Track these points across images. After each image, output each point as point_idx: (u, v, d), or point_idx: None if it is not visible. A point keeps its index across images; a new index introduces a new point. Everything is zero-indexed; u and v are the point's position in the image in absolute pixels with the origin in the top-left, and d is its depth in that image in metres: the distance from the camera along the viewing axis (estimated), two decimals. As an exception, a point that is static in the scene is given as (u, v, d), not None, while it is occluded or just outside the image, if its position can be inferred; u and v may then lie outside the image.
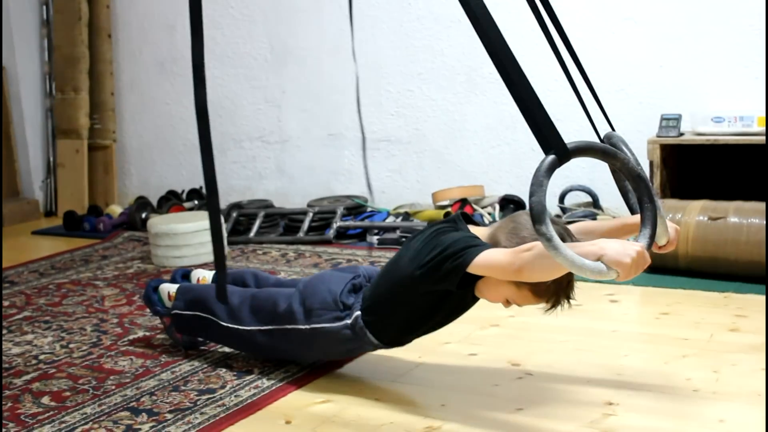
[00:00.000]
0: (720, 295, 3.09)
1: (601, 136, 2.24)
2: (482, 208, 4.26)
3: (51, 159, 5.54)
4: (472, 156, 4.49)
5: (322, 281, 2.45)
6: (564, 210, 4.10)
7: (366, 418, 2.21)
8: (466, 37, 4.40)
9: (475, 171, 4.47)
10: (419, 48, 4.51)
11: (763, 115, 3.62)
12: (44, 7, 5.44)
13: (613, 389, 2.30)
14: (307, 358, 2.56)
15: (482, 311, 2.99)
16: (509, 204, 4.22)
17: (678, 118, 3.77)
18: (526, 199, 4.27)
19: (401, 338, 2.40)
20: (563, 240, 1.85)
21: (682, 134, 3.76)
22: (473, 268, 2.03)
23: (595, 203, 4.11)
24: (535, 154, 4.31)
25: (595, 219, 3.95)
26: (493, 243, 2.11)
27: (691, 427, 2.07)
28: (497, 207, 4.23)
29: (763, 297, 3.03)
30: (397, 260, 2.27)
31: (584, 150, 1.81)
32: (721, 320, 2.82)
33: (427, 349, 2.67)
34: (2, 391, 2.47)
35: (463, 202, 4.22)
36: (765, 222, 3.15)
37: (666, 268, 3.32)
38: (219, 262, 2.09)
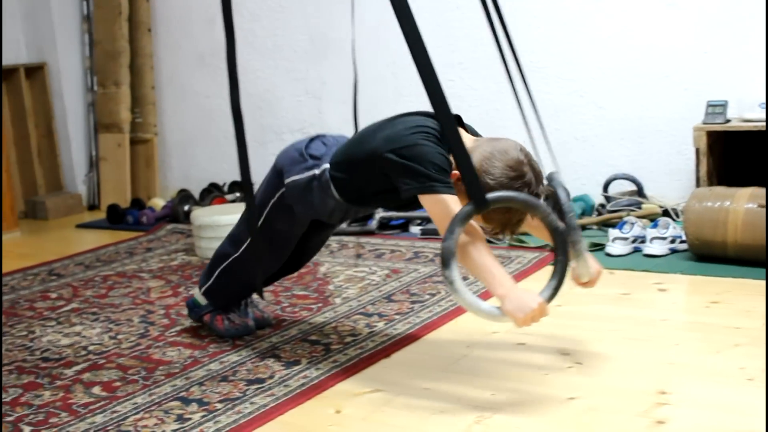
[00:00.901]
0: (770, 282, 3.04)
1: (546, 175, 2.29)
2: (525, 197, 4.22)
3: (93, 153, 5.58)
4: (514, 145, 4.45)
5: (290, 145, 2.60)
6: (608, 199, 4.06)
7: (416, 407, 2.20)
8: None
9: (517, 160, 4.43)
10: (460, 37, 4.49)
11: (813, 100, 3.56)
12: (85, 3, 5.47)
13: (665, 378, 2.27)
14: (297, 228, 2.59)
15: (530, 300, 2.98)
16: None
17: (724, 105, 3.72)
18: (570, 188, 4.22)
19: (363, 201, 2.46)
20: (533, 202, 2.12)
21: (728, 121, 3.71)
22: (422, 200, 2.20)
23: (640, 191, 4.06)
24: (578, 143, 4.29)
25: (639, 207, 3.91)
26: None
27: (747, 416, 2.04)
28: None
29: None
30: (376, 131, 2.34)
31: (503, 200, 2.08)
32: (773, 309, 2.78)
33: (474, 338, 2.66)
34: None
35: (506, 191, 4.19)
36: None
37: (714, 256, 3.28)
38: (257, 256, 2.29)
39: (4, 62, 5.19)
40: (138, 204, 5.13)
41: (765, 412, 2.03)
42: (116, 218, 4.95)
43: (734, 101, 3.75)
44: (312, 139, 2.56)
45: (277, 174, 2.55)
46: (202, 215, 4.02)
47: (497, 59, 4.37)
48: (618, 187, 4.14)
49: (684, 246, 3.45)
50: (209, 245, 3.94)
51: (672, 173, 4.07)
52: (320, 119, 4.98)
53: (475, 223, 2.19)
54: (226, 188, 5.10)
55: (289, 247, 2.66)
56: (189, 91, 5.44)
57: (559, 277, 2.15)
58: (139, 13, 5.37)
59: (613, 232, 3.56)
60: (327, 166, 2.42)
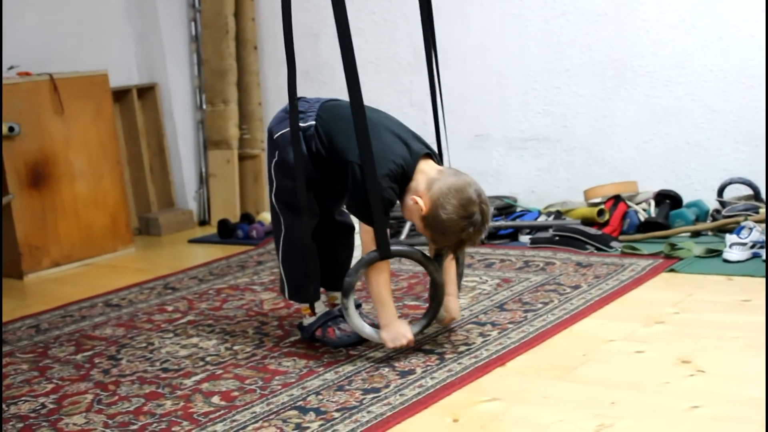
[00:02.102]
0: None
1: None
2: (636, 204, 4.15)
3: (203, 170, 5.71)
4: (623, 152, 4.38)
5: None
6: (723, 204, 3.94)
7: (534, 416, 2.17)
8: (613, 31, 4.31)
9: (626, 167, 4.36)
10: (565, 44, 4.44)
11: None
12: (193, 23, 5.61)
13: (794, 386, 2.19)
14: (293, 182, 2.69)
15: (647, 308, 2.94)
16: (665, 199, 4.09)
17: None
18: (682, 194, 4.14)
19: (324, 171, 2.70)
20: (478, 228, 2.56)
21: None
22: (361, 225, 2.58)
23: (757, 196, 3.94)
24: (690, 147, 4.19)
25: (757, 212, 3.78)
26: (428, 186, 2.52)
27: None
28: (652, 203, 4.11)
29: None
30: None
31: (403, 254, 2.65)
32: None
33: (591, 346, 2.62)
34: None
35: (617, 198, 4.12)
36: None
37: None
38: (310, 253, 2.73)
39: (118, 84, 5.35)
40: (247, 218, 5.22)
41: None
42: (226, 233, 5.04)
43: None
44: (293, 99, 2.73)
45: (270, 136, 2.78)
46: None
47: (604, 66, 4.33)
48: (733, 192, 4.01)
49: (806, 250, 3.34)
50: (319, 257, 3.98)
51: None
52: (425, 131, 4.96)
53: (386, 262, 2.59)
54: (332, 201, 5.15)
55: (309, 203, 2.74)
56: (295, 106, 5.51)
57: (428, 319, 2.72)
58: (246, 32, 5.47)
59: (730, 238, 3.46)
60: (313, 123, 2.67)
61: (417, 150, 2.61)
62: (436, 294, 2.68)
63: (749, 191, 3.97)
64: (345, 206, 2.71)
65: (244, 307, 3.48)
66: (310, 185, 2.71)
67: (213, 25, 5.47)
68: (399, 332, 2.62)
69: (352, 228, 3.00)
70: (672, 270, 3.38)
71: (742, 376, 2.30)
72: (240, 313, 3.39)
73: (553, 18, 4.46)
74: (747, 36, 3.97)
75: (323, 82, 5.32)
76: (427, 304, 2.76)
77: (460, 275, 2.87)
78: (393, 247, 2.56)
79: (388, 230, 2.59)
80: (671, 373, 2.36)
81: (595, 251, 3.78)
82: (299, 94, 5.47)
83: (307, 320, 2.89)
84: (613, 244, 3.81)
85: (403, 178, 2.56)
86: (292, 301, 2.95)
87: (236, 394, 2.51)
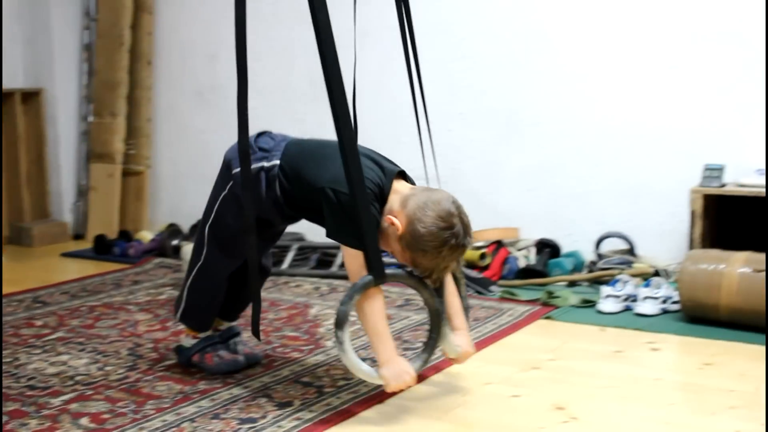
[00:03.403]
0: (762, 348, 3.04)
1: None
2: (518, 250, 4.23)
3: (83, 182, 5.54)
4: (508, 198, 4.47)
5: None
6: (600, 256, 4.06)
7: (411, 455, 2.17)
8: (508, 79, 4.41)
9: (511, 213, 4.45)
10: (461, 88, 4.52)
11: (809, 169, 3.60)
12: (86, 32, 5.47)
13: (662, 438, 2.26)
14: (238, 221, 2.56)
15: (523, 353, 2.98)
16: (545, 247, 4.19)
17: (721, 169, 3.76)
18: (562, 243, 4.24)
19: (295, 210, 2.55)
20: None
21: (724, 185, 3.74)
22: (344, 251, 2.40)
23: (631, 251, 4.07)
24: (572, 200, 4.31)
25: (630, 266, 3.91)
26: (403, 203, 2.37)
27: (745, 480, 2.03)
28: (533, 250, 4.20)
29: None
30: (326, 159, 2.43)
31: (397, 278, 2.39)
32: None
33: (468, 388, 2.64)
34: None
35: (499, 243, 4.19)
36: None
37: (706, 318, 3.28)
38: (255, 295, 2.40)
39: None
40: (126, 236, 5.09)
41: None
42: (103, 249, 4.90)
43: (731, 166, 3.78)
44: (259, 134, 2.63)
45: (226, 167, 2.62)
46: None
47: (497, 112, 4.42)
48: (610, 245, 4.15)
49: (675, 306, 3.46)
50: (199, 281, 3.91)
51: (664, 234, 4.08)
52: (315, 161, 4.97)
53: (379, 289, 2.38)
54: (216, 225, 5.07)
55: (241, 248, 2.61)
56: (185, 125, 5.43)
57: (429, 352, 2.49)
58: (141, 45, 5.37)
59: (605, 289, 3.56)
60: (278, 162, 2.51)
61: (390, 169, 2.48)
62: (436, 324, 2.47)
63: (625, 245, 4.10)
64: (327, 235, 2.41)
65: (117, 327, 3.38)
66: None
67: (108, 36, 5.35)
68: (401, 369, 2.37)
69: (269, 272, 2.93)
70: (548, 317, 3.45)
71: (613, 424, 2.36)
72: (113, 333, 3.29)
73: (451, 61, 4.53)
74: (635, 96, 4.12)
75: (216, 104, 5.27)
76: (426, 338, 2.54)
77: (465, 308, 2.66)
78: (388, 271, 2.33)
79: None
80: (546, 418, 2.40)
81: (475, 294, 3.83)
82: (190, 115, 5.42)
83: (187, 341, 2.82)
84: (493, 288, 3.88)
85: (380, 198, 2.41)
86: (180, 323, 2.87)
87: (107, 416, 2.42)
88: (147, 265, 4.58)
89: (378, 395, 2.56)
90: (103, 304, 3.74)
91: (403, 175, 2.54)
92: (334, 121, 2.29)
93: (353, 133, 2.38)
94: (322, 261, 4.38)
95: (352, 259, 2.36)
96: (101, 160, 5.43)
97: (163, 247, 4.76)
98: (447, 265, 2.41)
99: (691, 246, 3.71)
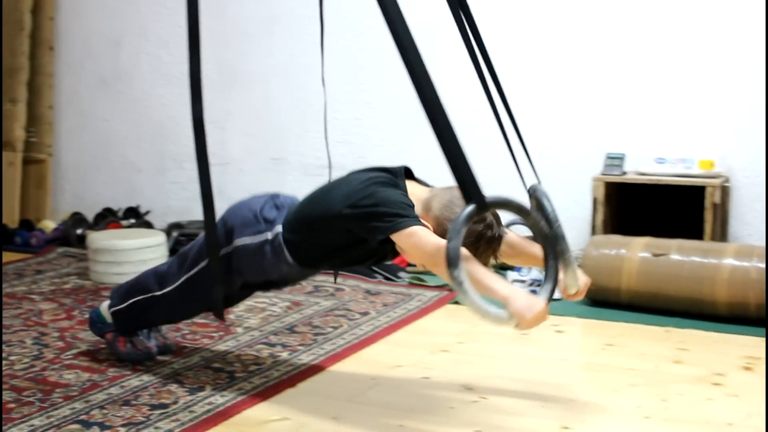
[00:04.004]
0: (661, 329, 3.17)
1: (528, 187, 2.31)
2: (426, 237, 4.28)
3: (-18, 171, 5.39)
4: (416, 186, 4.52)
5: (242, 203, 2.53)
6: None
7: (324, 436, 2.20)
8: (415, 69, 4.45)
9: (419, 201, 4.50)
10: (369, 77, 4.55)
11: (704, 158, 3.75)
12: (-17, 17, 5.32)
13: (566, 413, 2.34)
14: (235, 284, 2.51)
15: (432, 337, 3.04)
16: (452, 234, 4.25)
17: (622, 158, 3.88)
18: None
19: (316, 263, 2.44)
20: (491, 244, 2.23)
21: (625, 173, 3.86)
22: (396, 237, 2.14)
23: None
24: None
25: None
26: (426, 207, 2.23)
27: (646, 452, 2.12)
28: (441, 237, 4.26)
29: (702, 332, 3.12)
30: (331, 190, 2.32)
31: (501, 204, 2.04)
32: (665, 353, 2.89)
33: (379, 371, 2.68)
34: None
35: (407, 230, 4.24)
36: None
37: (608, 302, 3.39)
38: (217, 277, 2.18)
39: None
40: (27, 225, 4.97)
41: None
42: (3, 238, 4.77)
43: (631, 155, 3.91)
44: (266, 201, 2.50)
45: (225, 232, 2.46)
46: (99, 239, 3.94)
47: (404, 102, 4.46)
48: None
49: (579, 291, 3.56)
50: (106, 269, 3.86)
51: (568, 221, 4.14)
52: (223, 149, 4.94)
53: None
54: (121, 214, 5.00)
55: (207, 305, 2.58)
56: (88, 113, 5.32)
57: (552, 282, 2.13)
58: (43, 30, 5.23)
59: (511, 275, 3.64)
60: (279, 229, 2.38)
61: (396, 168, 2.36)
62: (551, 249, 2.13)
63: (530, 232, 4.19)
64: (376, 240, 2.20)
65: (21, 317, 3.30)
66: (255, 285, 2.56)
67: (7, 21, 5.19)
68: (531, 301, 2.01)
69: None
70: (456, 302, 3.51)
71: (520, 403, 2.43)
72: (17, 323, 3.22)
73: (359, 51, 4.56)
74: (539, 87, 4.21)
75: (120, 92, 5.18)
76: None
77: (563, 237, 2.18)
78: (488, 197, 1.95)
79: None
80: (455, 398, 2.45)
81: (384, 280, 3.87)
82: (93, 102, 5.31)
83: (105, 314, 2.77)
84: (401, 274, 3.92)
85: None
86: (107, 309, 2.76)
87: (12, 406, 2.37)
88: (50, 254, 4.48)
89: (290, 379, 2.57)
90: (6, 294, 3.65)
91: (409, 174, 2.42)
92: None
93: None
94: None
95: (412, 239, 2.13)
96: (1, 148, 5.28)
97: (68, 236, 4.67)
98: (486, 261, 2.24)
99: (594, 232, 3.82)
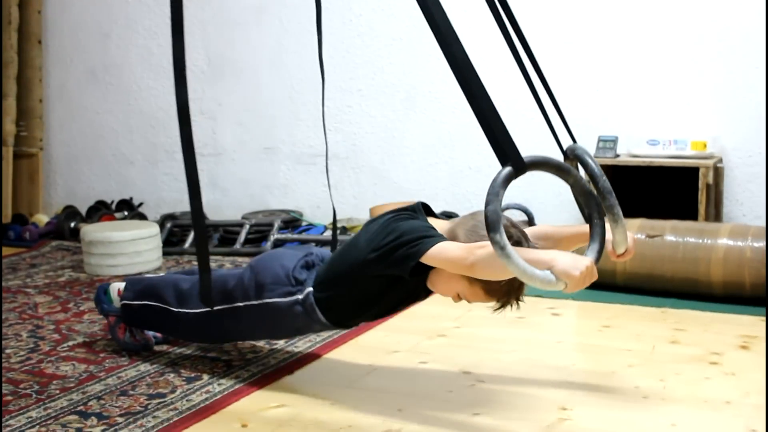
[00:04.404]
0: (657, 310, 3.18)
1: (564, 148, 2.25)
2: (420, 224, 4.27)
3: (-27, 166, 5.37)
4: (409, 172, 4.52)
5: (274, 257, 2.46)
6: (500, 227, 4.14)
7: (323, 421, 2.19)
8: (406, 55, 4.45)
9: (411, 187, 4.50)
10: (359, 65, 4.54)
11: (696, 139, 3.75)
12: (-29, 11, 5.29)
13: (565, 395, 2.33)
14: (257, 337, 2.56)
15: (428, 322, 3.03)
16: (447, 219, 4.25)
17: (615, 140, 3.87)
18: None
19: (349, 320, 2.43)
20: (520, 245, 1.99)
21: (618, 155, 3.86)
22: (427, 259, 2.06)
23: (531, 222, 4.16)
24: (471, 173, 4.38)
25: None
26: (451, 238, 2.12)
27: (644, 430, 2.11)
28: (435, 223, 4.26)
29: (698, 312, 3.13)
30: (354, 241, 2.27)
31: (540, 164, 1.87)
32: (661, 333, 2.90)
33: (377, 357, 2.68)
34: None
35: (401, 217, 4.23)
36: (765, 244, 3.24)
37: (603, 284, 3.38)
38: (203, 264, 2.04)
39: None
40: (20, 219, 4.96)
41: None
42: (-3, 233, 4.77)
43: (624, 137, 3.91)
44: (299, 261, 2.42)
45: (256, 285, 2.41)
46: (93, 231, 3.93)
47: (395, 88, 4.46)
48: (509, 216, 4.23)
49: (574, 274, 3.56)
50: (100, 262, 3.86)
51: (562, 204, 4.20)
52: (214, 140, 4.94)
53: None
54: (113, 206, 4.98)
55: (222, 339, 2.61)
56: (78, 106, 5.31)
57: (599, 240, 2.00)
58: (30, 24, 5.22)
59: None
60: (310, 289, 2.34)
61: (413, 205, 2.28)
62: (595, 208, 1.99)
63: (524, 217, 4.18)
64: (407, 271, 2.10)
65: (16, 310, 3.30)
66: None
67: (-7, 15, 5.17)
68: (577, 259, 1.87)
69: None
70: (452, 287, 3.51)
71: (518, 386, 2.43)
72: (12, 316, 3.21)
73: (348, 38, 4.55)
74: (530, 71, 4.20)
75: (110, 83, 5.17)
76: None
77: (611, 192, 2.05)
78: (526, 157, 1.83)
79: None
80: (453, 382, 2.45)
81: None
82: (82, 95, 5.29)
83: (115, 297, 2.75)
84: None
85: None
86: (117, 296, 2.75)
87: (9, 398, 2.37)
88: (44, 248, 4.47)
89: (287, 366, 2.57)
90: (0, 288, 3.65)
91: (429, 210, 2.35)
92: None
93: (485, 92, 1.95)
94: (224, 239, 4.35)
95: (442, 255, 2.04)
96: (1, 143, 5.27)
97: (61, 229, 4.66)
98: (521, 284, 2.14)
99: (587, 215, 3.81)
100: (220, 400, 2.32)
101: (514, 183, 4.22)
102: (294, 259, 2.42)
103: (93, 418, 2.21)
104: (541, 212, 4.19)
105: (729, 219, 3.91)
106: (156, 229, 4.04)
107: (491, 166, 4.35)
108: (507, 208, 4.21)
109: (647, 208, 3.73)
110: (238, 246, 4.21)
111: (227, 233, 4.36)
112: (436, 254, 2.04)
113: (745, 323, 2.99)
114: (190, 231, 4.37)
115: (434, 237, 2.08)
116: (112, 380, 2.49)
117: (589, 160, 2.13)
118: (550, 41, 4.17)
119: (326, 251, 2.52)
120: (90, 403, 2.31)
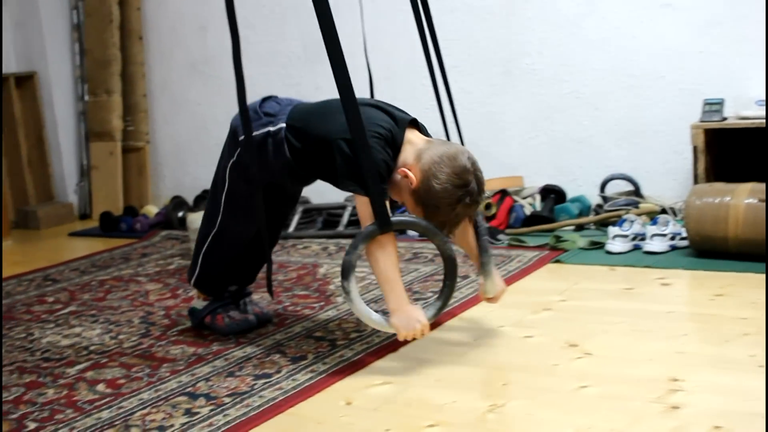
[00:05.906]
0: (773, 276, 3.05)
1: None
2: (522, 198, 4.22)
3: (85, 162, 5.54)
4: (510, 147, 4.46)
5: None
6: (605, 199, 4.05)
7: (428, 398, 2.18)
8: (501, 29, 4.38)
9: (513, 162, 4.44)
10: (453, 41, 4.48)
11: (809, 96, 3.58)
12: (75, 12, 5.45)
13: (676, 366, 2.26)
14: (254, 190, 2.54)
15: (533, 296, 2.99)
16: (550, 194, 4.18)
17: (721, 103, 3.74)
18: (567, 189, 4.24)
19: (309, 169, 2.50)
20: (477, 227, 2.52)
21: (725, 118, 3.72)
22: (357, 200, 2.35)
23: (637, 191, 4.06)
24: (574, 144, 4.29)
25: (637, 207, 3.90)
26: (417, 157, 2.32)
27: (762, 400, 2.03)
28: (538, 197, 4.20)
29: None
30: (338, 109, 2.27)
31: (406, 224, 2.35)
32: (778, 300, 2.78)
33: (480, 332, 2.65)
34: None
35: (503, 192, 4.18)
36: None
37: (715, 251, 3.28)
38: (267, 254, 2.44)
39: (-6, 71, 5.16)
40: (131, 212, 5.10)
41: (765, 400, 2.02)
42: (109, 226, 4.91)
43: (730, 99, 3.76)
44: (264, 99, 2.60)
45: (232, 135, 2.59)
46: (198, 220, 3.98)
47: (492, 63, 4.40)
48: (615, 188, 4.13)
49: (684, 243, 3.45)
50: (206, 249, 3.91)
51: (669, 172, 4.07)
52: (314, 125, 4.96)
53: (391, 236, 2.31)
54: (219, 195, 5.07)
55: (256, 211, 2.61)
56: (181, 99, 5.42)
57: (444, 300, 2.42)
58: (131, 21, 5.35)
59: (613, 230, 3.55)
60: (283, 125, 2.47)
61: (402, 118, 2.41)
62: (451, 270, 2.40)
63: (630, 187, 4.09)
64: (339, 186, 2.37)
65: (128, 298, 3.39)
66: (266, 190, 2.57)
67: (96, 14, 5.32)
68: (411, 317, 2.31)
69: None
70: (558, 261, 3.45)
71: (627, 357, 2.36)
72: (125, 304, 3.30)
73: (441, 14, 4.48)
74: (629, 37, 4.09)
75: (210, 75, 5.25)
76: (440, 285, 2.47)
77: (486, 250, 2.54)
78: (393, 218, 2.27)
79: (387, 202, 2.30)
80: (559, 355, 2.40)
81: (483, 244, 3.83)
82: (184, 87, 5.39)
83: (199, 303, 2.83)
84: (500, 236, 3.88)
85: (392, 146, 2.34)
86: (195, 287, 2.86)
87: (122, 381, 2.44)
88: (154, 238, 4.58)
89: (392, 344, 2.56)
90: (113, 278, 3.75)
91: (416, 125, 2.47)
92: (331, 64, 2.28)
93: (349, 79, 2.25)
94: (328, 222, 4.38)
95: (363, 206, 2.31)
96: (101, 139, 5.43)
97: (169, 219, 4.77)
98: (460, 221, 2.39)
99: (696, 181, 3.70)
100: (325, 378, 2.34)
101: (619, 153, 4.14)
102: (258, 99, 2.59)
103: (201, 398, 2.26)
104: (647, 180, 4.08)
105: None
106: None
107: (593, 136, 4.27)
108: (613, 178, 4.13)
109: (757, 171, 3.58)
110: (341, 228, 4.23)
111: (330, 216, 4.38)
112: (362, 203, 2.31)
113: None
114: (294, 215, 4.40)
115: (370, 192, 2.25)
116: (219, 362, 2.53)
117: (477, 217, 2.53)
118: (648, 5, 4.03)
119: (293, 99, 2.64)
120: (198, 385, 2.36)
